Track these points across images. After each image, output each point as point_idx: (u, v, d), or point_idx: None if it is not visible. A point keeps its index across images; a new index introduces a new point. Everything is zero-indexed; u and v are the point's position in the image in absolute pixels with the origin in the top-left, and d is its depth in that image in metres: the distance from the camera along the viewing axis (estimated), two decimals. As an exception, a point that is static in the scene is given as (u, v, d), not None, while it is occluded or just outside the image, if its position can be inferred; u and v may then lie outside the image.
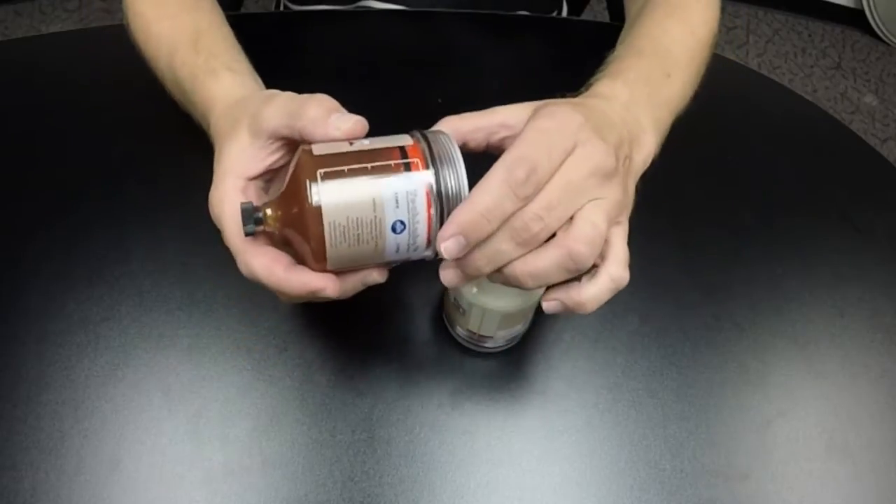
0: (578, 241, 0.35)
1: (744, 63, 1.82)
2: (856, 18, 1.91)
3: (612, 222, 0.37)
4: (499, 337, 0.50)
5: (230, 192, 0.39)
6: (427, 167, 0.35)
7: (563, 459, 0.48)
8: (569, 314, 0.41)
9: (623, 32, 0.57)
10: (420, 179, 0.35)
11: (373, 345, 0.52)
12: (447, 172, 0.35)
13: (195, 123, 0.53)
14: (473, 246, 0.35)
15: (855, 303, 0.56)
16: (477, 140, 0.39)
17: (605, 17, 0.84)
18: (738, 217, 0.60)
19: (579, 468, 0.48)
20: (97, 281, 0.54)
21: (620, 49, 0.51)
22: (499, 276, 0.37)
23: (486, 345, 0.51)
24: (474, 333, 0.49)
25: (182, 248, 0.55)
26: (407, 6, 0.75)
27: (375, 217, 0.34)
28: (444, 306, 0.52)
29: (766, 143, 0.65)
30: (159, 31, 0.55)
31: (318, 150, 0.35)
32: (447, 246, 0.34)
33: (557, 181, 0.35)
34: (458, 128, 0.39)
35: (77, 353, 0.51)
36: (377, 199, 0.34)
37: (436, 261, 0.37)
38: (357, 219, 0.34)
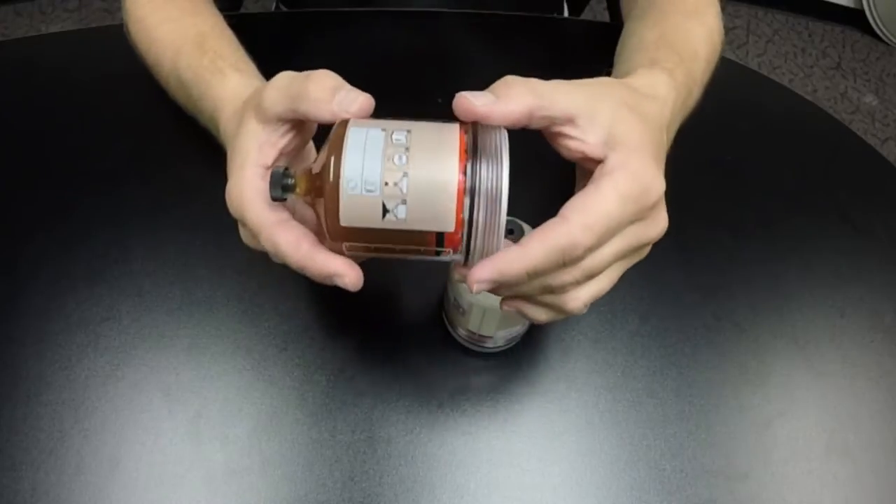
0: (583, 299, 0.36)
1: (744, 63, 1.82)
2: (856, 18, 1.91)
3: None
4: (499, 337, 0.50)
5: (249, 179, 0.37)
6: (459, 248, 0.33)
7: (563, 459, 0.48)
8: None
9: (632, 27, 0.54)
10: (448, 259, 0.34)
11: (373, 345, 0.52)
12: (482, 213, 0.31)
13: (201, 127, 0.52)
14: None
15: (855, 303, 0.56)
16: (539, 125, 0.35)
17: (605, 17, 0.84)
18: (738, 217, 0.60)
19: (579, 468, 0.48)
20: (97, 281, 0.54)
21: (653, 40, 0.48)
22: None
23: (486, 345, 0.51)
24: (474, 333, 0.49)
25: (182, 248, 0.55)
26: (409, 7, 0.75)
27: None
28: (444, 306, 0.52)
29: (766, 144, 0.65)
30: (162, 36, 0.54)
31: (345, 218, 0.33)
32: (479, 286, 0.33)
33: (609, 251, 0.34)
34: (525, 106, 0.34)
35: (77, 353, 0.51)
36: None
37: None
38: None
